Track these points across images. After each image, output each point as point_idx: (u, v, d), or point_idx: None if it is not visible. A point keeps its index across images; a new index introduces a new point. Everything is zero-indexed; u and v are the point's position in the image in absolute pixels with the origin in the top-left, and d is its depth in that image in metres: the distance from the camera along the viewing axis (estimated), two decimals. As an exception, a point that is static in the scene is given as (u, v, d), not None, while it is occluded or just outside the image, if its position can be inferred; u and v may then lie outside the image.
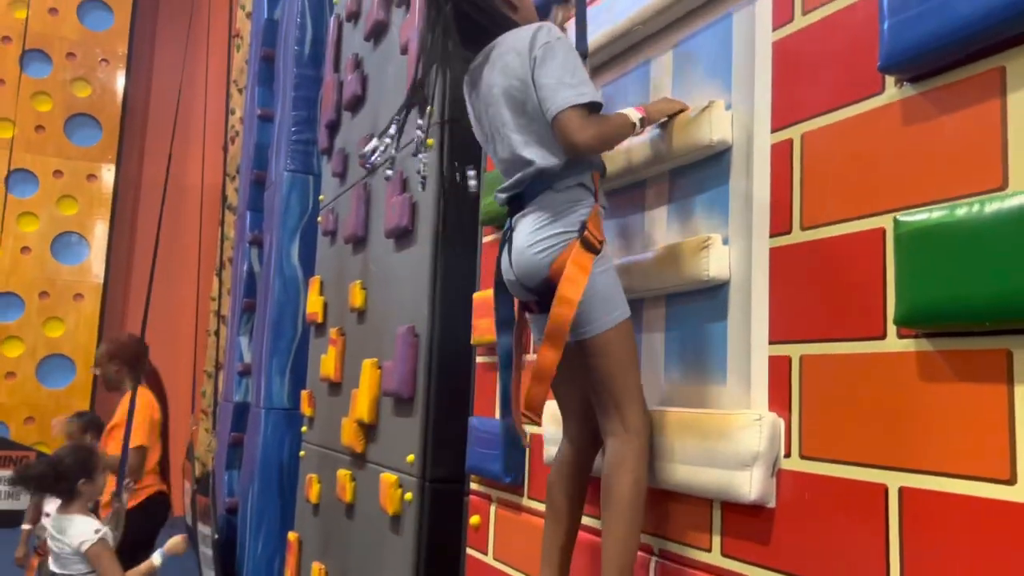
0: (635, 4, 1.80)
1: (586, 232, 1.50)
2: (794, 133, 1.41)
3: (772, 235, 1.43)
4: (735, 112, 1.56)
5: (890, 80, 1.24)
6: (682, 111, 1.64)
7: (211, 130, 7.86)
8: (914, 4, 1.15)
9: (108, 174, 7.97)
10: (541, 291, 1.54)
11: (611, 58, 1.96)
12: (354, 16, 4.11)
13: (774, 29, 1.48)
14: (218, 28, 7.89)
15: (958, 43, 1.10)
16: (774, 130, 1.46)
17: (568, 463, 1.66)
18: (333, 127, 4.28)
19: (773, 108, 1.46)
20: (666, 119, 1.65)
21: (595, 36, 1.93)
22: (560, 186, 1.55)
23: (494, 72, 1.60)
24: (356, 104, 3.93)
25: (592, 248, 1.49)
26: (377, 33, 3.72)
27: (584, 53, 1.73)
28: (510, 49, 1.58)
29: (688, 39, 1.72)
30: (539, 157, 1.55)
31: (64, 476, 2.96)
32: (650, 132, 1.71)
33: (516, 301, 1.70)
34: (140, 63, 8.31)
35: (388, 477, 2.91)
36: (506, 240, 1.62)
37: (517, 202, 1.61)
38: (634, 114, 1.57)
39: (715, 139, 1.55)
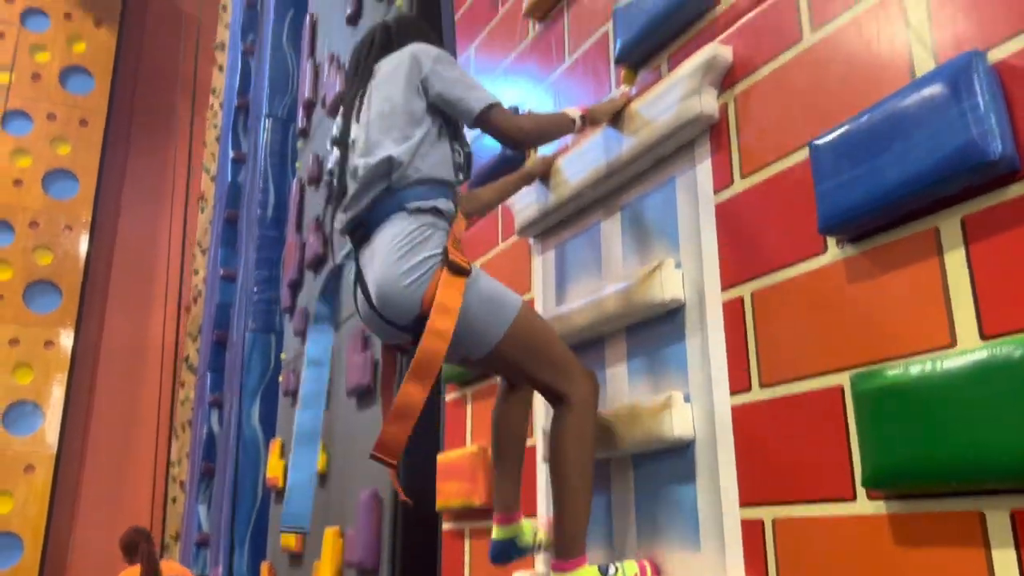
0: (583, 169, 1.86)
1: (451, 256, 1.41)
2: (744, 291, 1.43)
3: (733, 393, 1.42)
4: (685, 270, 1.58)
5: (832, 240, 1.27)
6: (627, 103, 1.73)
7: (174, 291, 7.85)
8: (844, 169, 1.20)
9: (67, 339, 7.84)
10: (415, 326, 1.40)
11: (563, 219, 2.01)
12: (315, 180, 4.22)
13: (716, 192, 1.53)
14: (182, 192, 8.06)
15: (890, 206, 1.14)
16: (724, 288, 1.47)
17: (503, 396, 1.68)
18: (295, 286, 4.30)
19: (722, 267, 1.49)
20: (614, 115, 1.73)
21: (547, 200, 1.98)
22: (412, 206, 1.45)
23: (380, 84, 1.58)
24: (318, 263, 3.97)
25: (461, 271, 1.40)
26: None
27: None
28: (392, 64, 1.59)
29: (635, 201, 1.77)
30: (394, 150, 1.46)
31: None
32: (605, 289, 1.73)
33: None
34: (104, 228, 8.39)
35: (353, 659, 2.71)
36: (356, 279, 1.50)
37: (362, 231, 1.49)
38: (573, 112, 1.65)
39: (668, 297, 1.56)
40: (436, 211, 1.48)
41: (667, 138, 1.63)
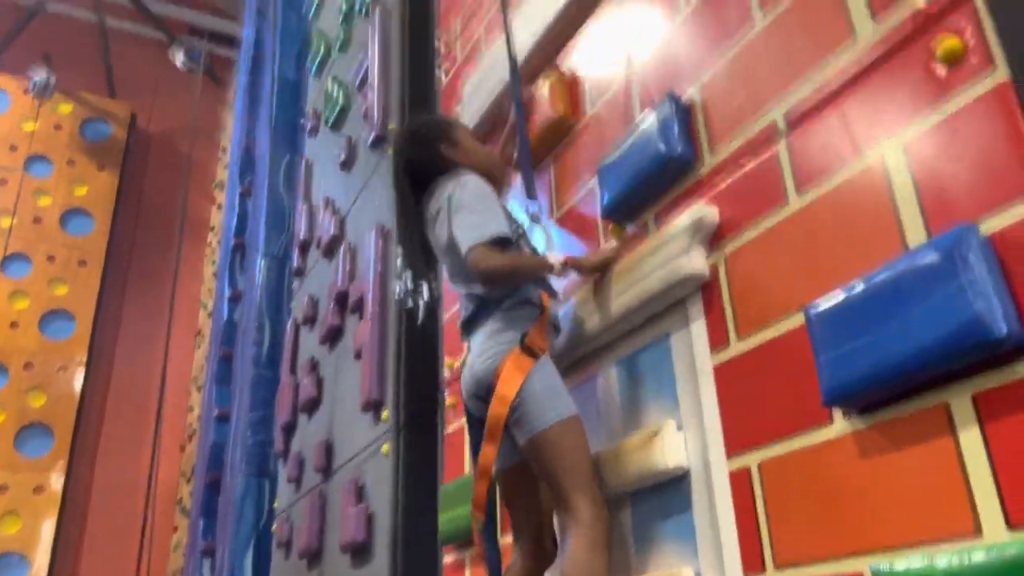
0: (577, 322, 1.83)
1: (527, 339, 1.59)
2: (750, 460, 1.36)
3: (746, 574, 1.33)
4: (687, 434, 1.52)
5: (838, 410, 1.22)
6: (616, 257, 1.73)
7: (168, 429, 7.70)
8: (844, 340, 1.16)
9: (57, 483, 7.62)
10: (489, 398, 1.58)
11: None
12: (310, 320, 4.19)
13: (712, 352, 1.49)
14: (180, 328, 8.04)
15: (896, 381, 1.10)
16: (730, 456, 1.41)
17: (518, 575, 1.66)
18: (289, 429, 4.20)
19: (725, 432, 1.43)
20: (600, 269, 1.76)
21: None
22: (506, 305, 1.66)
23: (434, 226, 1.76)
24: (312, 406, 3.89)
25: (531, 353, 1.58)
26: (332, 337, 3.78)
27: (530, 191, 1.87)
28: (434, 204, 1.74)
29: (630, 357, 1.73)
30: (480, 290, 1.68)
31: None
32: (605, 450, 1.66)
33: None
34: (99, 367, 8.32)
35: None
36: (464, 362, 1.73)
37: (472, 324, 1.72)
38: (555, 257, 1.68)
39: (671, 465, 1.49)
40: (527, 303, 1.67)
41: (658, 296, 1.60)
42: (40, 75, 8.28)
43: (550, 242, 1.78)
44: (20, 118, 8.64)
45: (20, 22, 8.75)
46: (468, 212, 1.65)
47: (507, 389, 1.55)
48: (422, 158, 1.83)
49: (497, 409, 1.54)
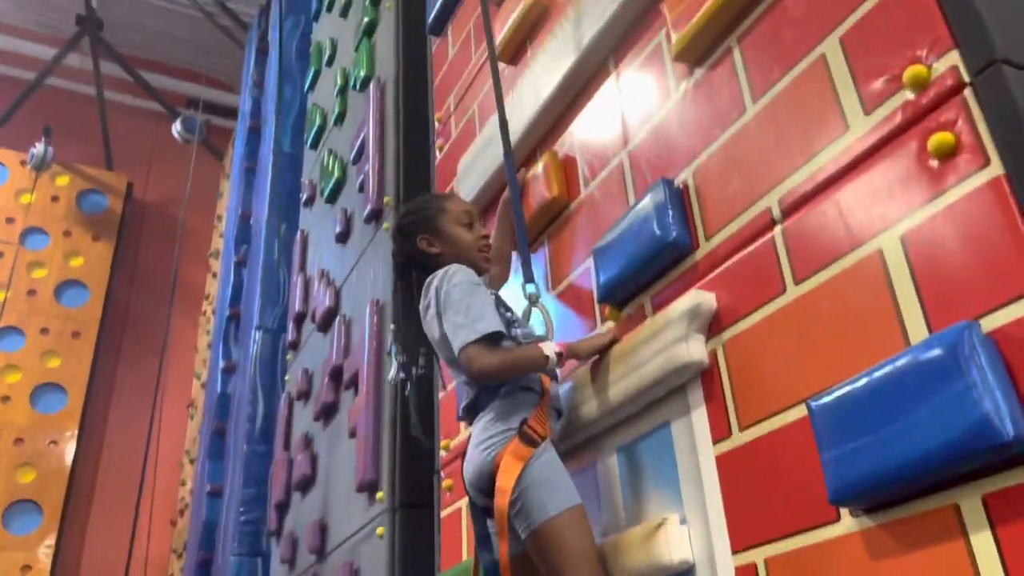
0: (574, 407, 1.80)
1: (526, 427, 1.55)
2: (757, 557, 1.32)
3: None
4: (691, 527, 1.48)
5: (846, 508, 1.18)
6: (613, 342, 1.70)
7: (159, 503, 7.55)
8: (849, 438, 1.13)
9: (45, 560, 7.43)
10: (490, 490, 1.54)
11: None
12: (304, 395, 4.14)
13: (714, 443, 1.46)
14: (173, 399, 7.94)
15: (902, 482, 1.07)
16: (735, 551, 1.37)
17: None
18: (282, 507, 4.11)
19: (730, 527, 1.39)
20: (597, 354, 1.73)
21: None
22: (505, 391, 1.63)
23: (425, 319, 1.73)
24: (306, 485, 3.82)
25: (530, 441, 1.54)
26: (327, 414, 3.73)
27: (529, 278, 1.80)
28: (424, 300, 1.73)
29: (630, 445, 1.70)
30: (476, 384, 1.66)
31: None
32: (607, 542, 1.61)
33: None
34: (90, 441, 8.19)
35: None
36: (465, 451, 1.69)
37: (473, 410, 1.69)
38: (550, 347, 1.63)
39: (676, 560, 1.45)
40: (526, 389, 1.64)
41: (658, 383, 1.57)
42: (38, 147, 8.36)
43: (549, 327, 1.74)
44: (17, 191, 8.69)
45: (20, 95, 8.87)
46: (454, 310, 1.63)
47: (506, 481, 1.51)
48: (407, 253, 1.86)
49: (502, 504, 1.50)
